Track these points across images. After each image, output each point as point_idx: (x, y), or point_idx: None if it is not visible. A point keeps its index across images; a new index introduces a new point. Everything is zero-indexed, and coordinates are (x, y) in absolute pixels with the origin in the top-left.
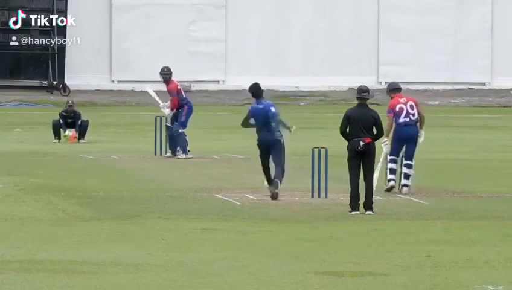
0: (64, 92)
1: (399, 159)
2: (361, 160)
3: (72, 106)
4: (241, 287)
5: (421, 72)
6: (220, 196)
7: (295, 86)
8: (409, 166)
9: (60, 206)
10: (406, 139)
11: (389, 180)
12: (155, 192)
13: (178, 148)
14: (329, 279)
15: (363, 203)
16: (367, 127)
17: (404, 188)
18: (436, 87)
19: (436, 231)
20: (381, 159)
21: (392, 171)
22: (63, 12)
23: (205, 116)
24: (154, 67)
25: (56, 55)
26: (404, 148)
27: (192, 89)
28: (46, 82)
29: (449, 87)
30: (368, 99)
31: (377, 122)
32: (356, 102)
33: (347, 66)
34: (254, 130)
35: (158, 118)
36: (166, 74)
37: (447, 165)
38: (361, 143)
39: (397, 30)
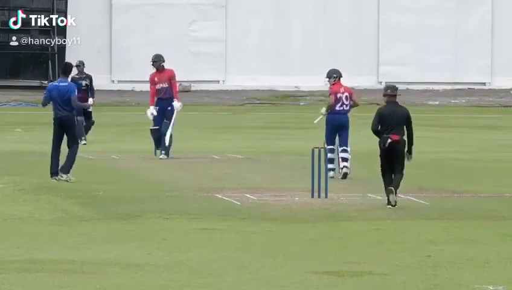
0: None
1: (336, 148)
2: (390, 155)
3: (79, 66)
4: (241, 287)
5: (421, 72)
6: (220, 196)
7: (295, 86)
8: (344, 151)
9: (60, 206)
10: (338, 127)
11: (329, 170)
12: (155, 192)
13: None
14: (329, 279)
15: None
16: (397, 124)
17: (344, 169)
18: (436, 87)
19: (436, 231)
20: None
21: (331, 161)
22: (63, 12)
23: (205, 116)
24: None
25: (56, 55)
26: (337, 137)
27: (192, 89)
28: (46, 82)
29: (449, 87)
30: (395, 96)
31: (408, 119)
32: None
33: (347, 66)
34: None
35: None
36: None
37: (447, 165)
38: (388, 141)
39: (397, 30)
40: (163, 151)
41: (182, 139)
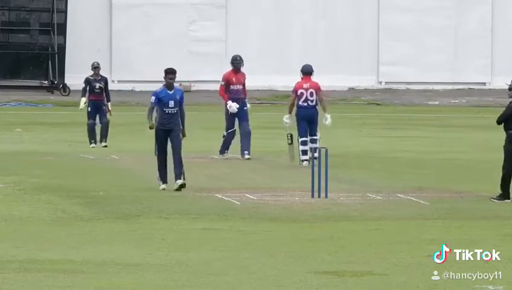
0: (64, 91)
1: (308, 140)
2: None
3: (97, 67)
4: (241, 287)
5: (421, 72)
6: (220, 196)
7: None
8: (314, 141)
9: (60, 206)
10: (307, 119)
11: (303, 161)
12: (155, 192)
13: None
14: (329, 279)
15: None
16: None
17: (315, 161)
18: (436, 87)
19: (436, 231)
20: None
21: (304, 152)
22: (63, 12)
23: (205, 116)
24: (154, 67)
25: (56, 55)
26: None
27: (192, 89)
28: (46, 82)
29: (449, 87)
30: None
31: None
32: None
33: (347, 66)
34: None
35: None
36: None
37: (447, 165)
38: None
39: (397, 30)
40: (246, 152)
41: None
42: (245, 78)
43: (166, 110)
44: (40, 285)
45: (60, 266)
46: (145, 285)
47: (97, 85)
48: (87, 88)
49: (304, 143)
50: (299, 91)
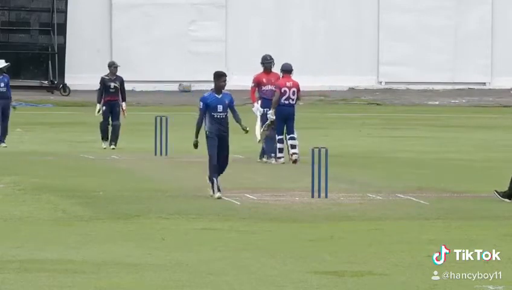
0: (65, 91)
1: (285, 138)
2: None
3: (116, 67)
4: (241, 287)
5: (421, 72)
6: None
7: None
8: (292, 138)
9: (60, 206)
10: (285, 117)
11: (279, 158)
12: (155, 192)
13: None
14: (329, 279)
15: None
16: None
17: (294, 156)
18: (436, 87)
19: (436, 231)
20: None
21: (281, 150)
22: (63, 12)
23: None
24: (154, 67)
25: (56, 55)
26: (285, 127)
27: (192, 89)
28: (46, 82)
29: (449, 87)
30: None
31: None
32: None
33: (347, 66)
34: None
35: (158, 118)
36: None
37: (447, 165)
38: None
39: (397, 30)
40: (273, 155)
41: (182, 139)
42: (277, 78)
43: (215, 114)
44: (40, 285)
45: (60, 266)
46: (145, 285)
47: (112, 84)
48: (103, 88)
49: (281, 141)
50: (283, 89)
